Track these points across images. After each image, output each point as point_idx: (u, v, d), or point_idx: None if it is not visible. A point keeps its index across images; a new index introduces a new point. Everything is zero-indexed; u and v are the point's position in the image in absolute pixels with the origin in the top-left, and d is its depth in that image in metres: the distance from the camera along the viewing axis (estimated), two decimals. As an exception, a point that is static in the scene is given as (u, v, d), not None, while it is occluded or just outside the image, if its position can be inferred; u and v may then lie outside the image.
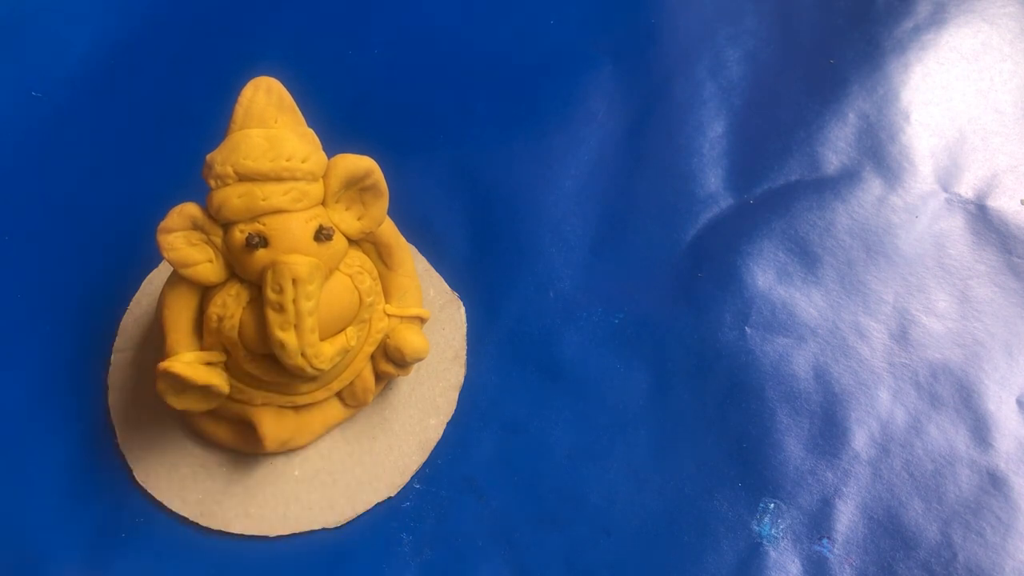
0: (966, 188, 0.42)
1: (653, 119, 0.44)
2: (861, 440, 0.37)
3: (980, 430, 0.37)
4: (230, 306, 0.32)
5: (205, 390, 0.33)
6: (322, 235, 0.31)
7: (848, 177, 0.43)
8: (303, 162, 0.31)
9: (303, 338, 0.31)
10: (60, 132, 0.44)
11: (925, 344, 0.39)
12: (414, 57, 0.46)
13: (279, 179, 0.30)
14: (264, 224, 0.31)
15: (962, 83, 0.45)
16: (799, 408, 0.38)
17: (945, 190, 0.42)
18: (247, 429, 0.35)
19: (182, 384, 0.32)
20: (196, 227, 0.31)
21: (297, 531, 0.35)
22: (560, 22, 0.47)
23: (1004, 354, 0.39)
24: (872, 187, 0.42)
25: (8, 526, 0.35)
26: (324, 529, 0.35)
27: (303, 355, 0.31)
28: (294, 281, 0.30)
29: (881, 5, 0.47)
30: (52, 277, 0.40)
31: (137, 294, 0.39)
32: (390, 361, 0.35)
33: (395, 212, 0.35)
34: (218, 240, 0.32)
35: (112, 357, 0.38)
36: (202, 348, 0.33)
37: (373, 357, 0.36)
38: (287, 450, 0.36)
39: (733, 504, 0.36)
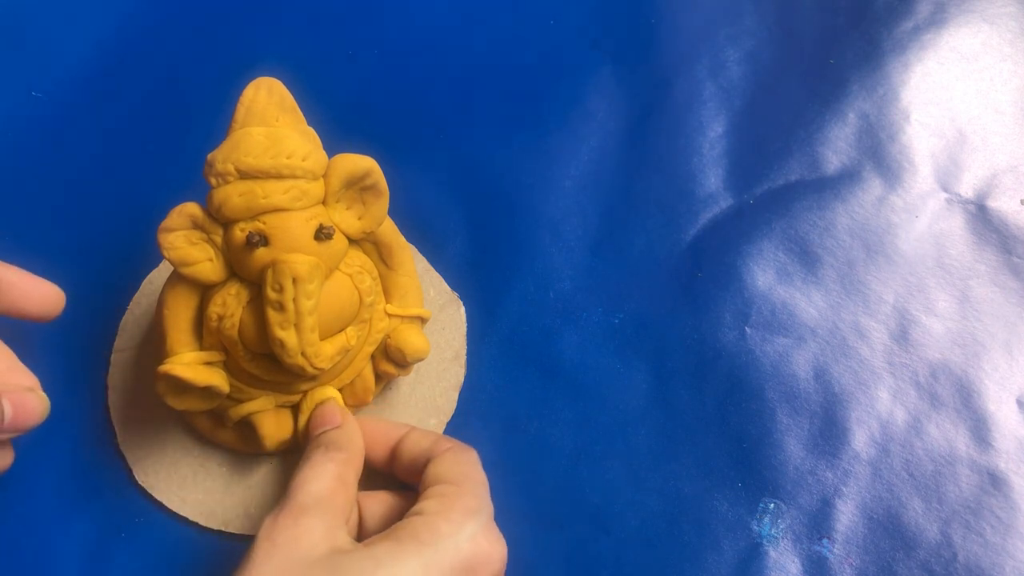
0: (966, 188, 0.42)
1: (653, 119, 0.44)
2: (861, 440, 0.37)
3: (980, 430, 0.37)
4: (230, 305, 0.32)
5: (205, 390, 0.33)
6: (322, 234, 0.31)
7: (848, 177, 0.42)
8: (303, 160, 0.31)
9: (303, 337, 0.31)
10: (60, 132, 0.44)
11: (925, 344, 0.39)
12: (414, 57, 0.46)
13: (279, 176, 0.30)
14: (264, 223, 0.31)
15: (962, 83, 0.45)
16: (799, 408, 0.38)
17: (945, 190, 0.42)
18: (247, 429, 0.35)
19: (182, 385, 0.32)
20: (196, 226, 0.31)
21: (297, 531, 0.35)
22: (560, 22, 0.47)
23: (1004, 354, 0.39)
24: (872, 187, 0.42)
25: (9, 525, 0.35)
26: (324, 529, 0.35)
27: (303, 354, 0.31)
28: (294, 280, 0.30)
29: (881, 5, 0.47)
30: (52, 277, 0.40)
31: (137, 294, 0.39)
32: (391, 361, 0.35)
33: (395, 212, 0.35)
34: (218, 239, 0.32)
35: (112, 357, 0.38)
36: (202, 348, 0.33)
37: (373, 357, 0.36)
38: (287, 450, 0.36)
39: (733, 504, 0.36)
